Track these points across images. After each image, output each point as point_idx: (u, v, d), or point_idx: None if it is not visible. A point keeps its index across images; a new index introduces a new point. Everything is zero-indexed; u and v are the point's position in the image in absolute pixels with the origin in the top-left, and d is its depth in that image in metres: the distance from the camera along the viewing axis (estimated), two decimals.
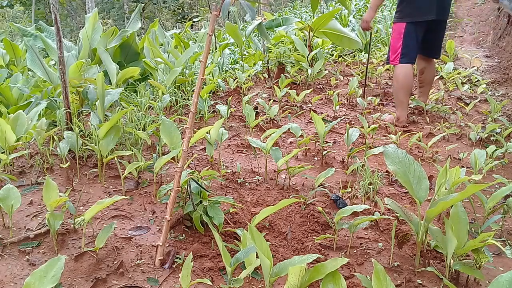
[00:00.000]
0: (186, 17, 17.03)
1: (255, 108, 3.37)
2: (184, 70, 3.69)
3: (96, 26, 4.53)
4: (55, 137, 2.31)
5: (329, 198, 2.03)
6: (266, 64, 4.72)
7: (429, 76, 3.61)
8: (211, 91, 3.84)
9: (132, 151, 2.20)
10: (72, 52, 4.05)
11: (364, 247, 1.66)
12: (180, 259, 1.50)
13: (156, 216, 1.83)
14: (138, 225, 1.75)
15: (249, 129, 3.00)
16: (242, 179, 2.21)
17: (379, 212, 1.87)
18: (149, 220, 1.79)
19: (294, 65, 4.55)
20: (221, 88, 3.94)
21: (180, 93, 3.37)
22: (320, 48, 4.99)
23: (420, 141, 2.71)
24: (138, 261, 1.50)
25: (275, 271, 1.20)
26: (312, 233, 1.71)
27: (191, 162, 2.36)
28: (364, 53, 5.92)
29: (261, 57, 5.17)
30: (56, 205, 1.53)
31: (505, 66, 5.47)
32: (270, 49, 4.99)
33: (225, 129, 2.72)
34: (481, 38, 7.23)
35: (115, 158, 2.09)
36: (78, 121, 2.47)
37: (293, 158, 2.55)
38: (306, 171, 2.27)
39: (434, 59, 3.65)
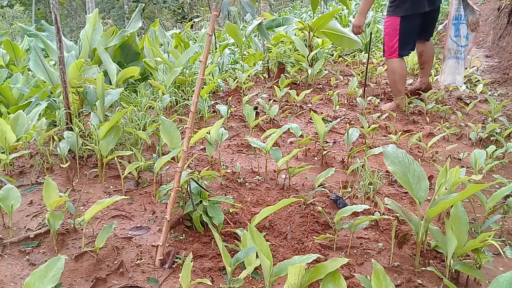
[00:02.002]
0: (186, 17, 17.03)
1: (255, 108, 3.37)
2: (184, 70, 3.69)
3: (97, 26, 4.53)
4: (55, 137, 2.31)
5: (329, 198, 2.03)
6: (266, 64, 4.72)
7: (428, 56, 3.77)
8: (211, 91, 3.84)
9: (132, 151, 2.20)
10: (72, 53, 4.04)
11: (364, 247, 1.66)
12: (180, 259, 1.50)
13: (156, 216, 1.83)
14: (138, 225, 1.75)
15: (249, 129, 3.00)
16: (242, 179, 2.21)
17: (379, 212, 1.88)
18: (149, 220, 1.79)
19: (294, 65, 4.55)
20: (221, 88, 3.94)
21: (180, 93, 3.37)
22: (320, 48, 5.00)
23: (420, 141, 2.72)
24: (138, 261, 1.50)
25: (275, 271, 1.20)
26: (312, 233, 1.71)
27: (191, 162, 2.36)
28: (364, 53, 5.92)
29: (261, 57, 5.17)
30: (56, 205, 1.53)
31: (505, 66, 5.47)
32: (270, 49, 4.99)
33: (225, 129, 2.72)
34: (481, 38, 7.23)
35: (115, 158, 2.09)
36: (78, 121, 2.47)
37: (293, 158, 2.55)
38: (306, 171, 2.27)
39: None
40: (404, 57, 3.58)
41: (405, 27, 3.42)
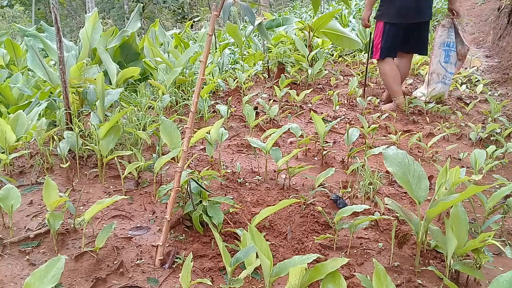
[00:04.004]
0: (186, 17, 17.03)
1: (255, 108, 3.37)
2: (184, 70, 3.69)
3: (96, 26, 4.52)
4: (55, 137, 2.31)
5: (329, 198, 2.03)
6: (266, 64, 4.72)
7: (402, 70, 3.76)
8: (211, 91, 3.84)
9: (132, 151, 2.20)
10: (72, 52, 4.04)
11: (364, 247, 1.66)
12: (180, 259, 1.50)
13: (156, 216, 1.83)
14: (138, 225, 1.75)
15: (249, 129, 3.00)
16: (242, 179, 2.21)
17: (379, 212, 1.88)
18: (149, 220, 1.79)
19: (294, 65, 4.55)
20: (221, 88, 3.94)
21: (180, 93, 3.37)
22: (320, 48, 5.00)
23: (420, 141, 2.72)
24: (138, 261, 1.50)
25: (275, 271, 1.20)
26: (312, 233, 1.71)
27: (191, 162, 2.36)
28: (364, 53, 5.92)
29: (261, 57, 5.17)
30: (56, 205, 1.53)
31: (505, 66, 5.47)
32: (270, 49, 4.99)
33: (225, 129, 2.72)
34: (481, 38, 7.23)
35: (115, 158, 2.08)
36: (78, 121, 2.47)
37: (293, 158, 2.55)
38: (306, 171, 2.27)
39: (412, 55, 3.85)
40: (392, 58, 3.60)
41: (388, 31, 3.53)
